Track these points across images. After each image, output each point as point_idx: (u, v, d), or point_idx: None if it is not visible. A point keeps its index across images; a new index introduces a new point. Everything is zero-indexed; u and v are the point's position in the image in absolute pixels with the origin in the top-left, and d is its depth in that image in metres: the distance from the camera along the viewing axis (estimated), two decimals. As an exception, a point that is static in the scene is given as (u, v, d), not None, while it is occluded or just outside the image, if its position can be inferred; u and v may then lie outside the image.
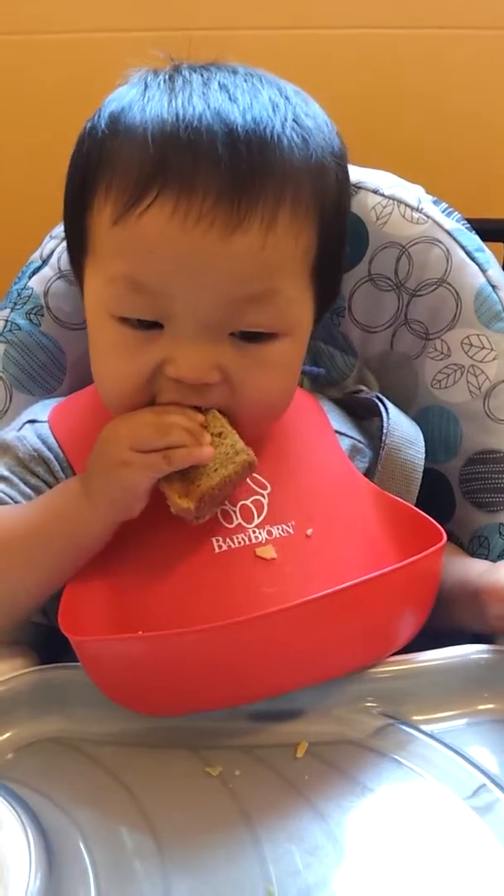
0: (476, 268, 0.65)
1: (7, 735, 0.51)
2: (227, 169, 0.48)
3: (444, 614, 0.57)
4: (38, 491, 0.58)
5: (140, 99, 0.53)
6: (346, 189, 0.57)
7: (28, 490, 0.58)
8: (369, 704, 0.52)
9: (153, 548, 0.54)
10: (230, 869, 0.43)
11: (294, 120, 0.52)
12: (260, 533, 0.55)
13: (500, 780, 0.47)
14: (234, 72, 0.54)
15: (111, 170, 0.52)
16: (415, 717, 0.52)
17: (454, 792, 0.47)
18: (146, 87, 0.54)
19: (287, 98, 0.53)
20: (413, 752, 0.49)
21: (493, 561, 0.67)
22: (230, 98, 0.51)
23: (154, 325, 0.52)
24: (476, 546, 0.67)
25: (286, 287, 0.52)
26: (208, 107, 0.50)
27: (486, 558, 0.67)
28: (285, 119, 0.51)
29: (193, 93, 0.51)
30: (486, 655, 0.53)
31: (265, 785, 0.48)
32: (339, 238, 0.57)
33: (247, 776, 0.48)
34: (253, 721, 0.51)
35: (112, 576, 0.54)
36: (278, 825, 0.46)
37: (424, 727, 0.51)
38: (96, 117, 0.56)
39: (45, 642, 0.59)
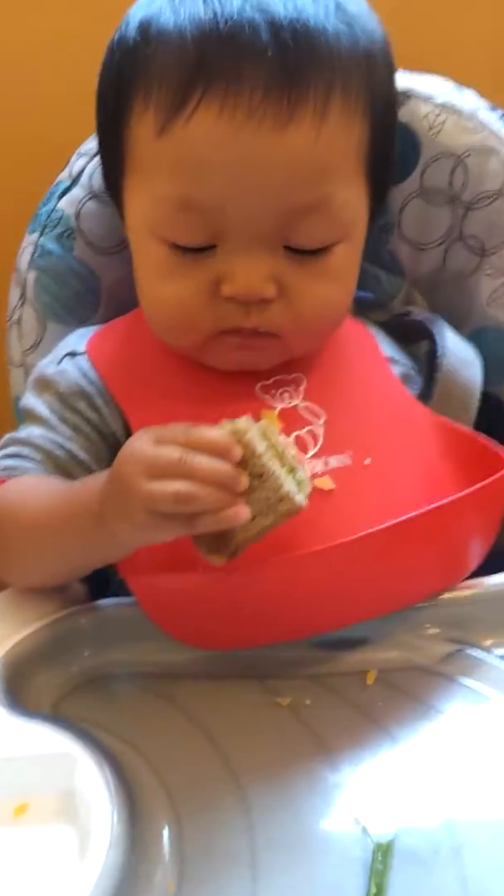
0: (537, 178, 0.62)
1: (70, 672, 0.50)
2: (273, 60, 0.46)
3: None
4: (77, 429, 0.56)
5: (170, 2, 0.50)
6: (393, 78, 0.55)
7: (66, 430, 0.56)
8: (436, 630, 0.51)
9: None
10: (312, 798, 0.42)
11: (336, 7, 0.50)
12: (316, 464, 0.53)
13: None
14: None
15: (147, 76, 0.49)
16: (484, 642, 0.50)
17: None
18: None
19: None
20: (484, 676, 0.48)
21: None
22: None
23: (205, 248, 0.50)
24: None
25: (340, 190, 0.50)
26: (246, 0, 0.47)
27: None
28: (328, 7, 0.49)
29: None
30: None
31: (337, 713, 0.47)
32: (390, 129, 0.56)
33: (317, 705, 0.47)
34: (319, 650, 0.50)
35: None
36: (355, 752, 0.45)
37: (496, 651, 0.50)
38: (123, 27, 0.53)
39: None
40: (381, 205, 0.57)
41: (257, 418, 0.54)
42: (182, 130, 0.48)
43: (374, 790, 0.42)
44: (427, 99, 0.62)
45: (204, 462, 0.42)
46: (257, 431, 0.43)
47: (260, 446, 0.43)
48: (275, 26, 0.47)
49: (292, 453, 0.45)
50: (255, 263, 0.49)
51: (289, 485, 0.43)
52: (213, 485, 0.42)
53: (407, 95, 0.62)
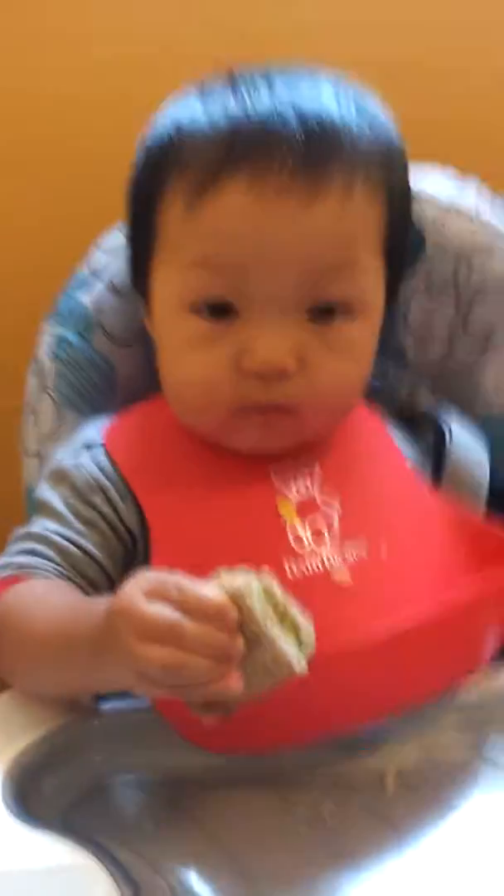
0: (539, 273, 0.64)
1: (80, 778, 0.49)
2: (300, 145, 0.49)
3: None
4: (91, 525, 0.56)
5: (201, 101, 0.54)
6: (407, 175, 0.58)
7: (80, 526, 0.56)
8: (456, 728, 0.51)
9: None
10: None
11: (357, 107, 0.53)
12: (334, 556, 0.54)
13: None
14: (290, 69, 0.55)
15: (180, 164, 0.52)
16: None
17: None
18: (204, 90, 0.54)
19: (346, 90, 0.54)
20: (506, 777, 0.48)
21: None
22: (294, 88, 0.52)
23: (228, 313, 0.52)
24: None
25: (362, 258, 0.53)
26: (274, 95, 0.51)
27: None
28: (349, 106, 0.53)
29: (257, 86, 0.52)
30: None
31: (356, 820, 0.47)
32: (405, 221, 0.58)
33: (336, 812, 0.47)
34: (337, 752, 0.50)
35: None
36: (375, 861, 0.44)
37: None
38: (155, 128, 0.56)
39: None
40: (394, 297, 0.59)
41: (274, 506, 0.55)
42: (211, 204, 0.50)
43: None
44: (431, 199, 0.64)
45: (196, 630, 0.39)
46: (257, 589, 0.41)
47: (259, 608, 0.40)
48: (302, 117, 0.50)
49: (295, 611, 0.43)
50: (277, 334, 0.51)
51: (289, 650, 0.41)
52: (205, 654, 0.39)
53: (414, 193, 0.64)
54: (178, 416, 0.57)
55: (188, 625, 0.40)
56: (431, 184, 0.65)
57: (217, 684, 0.40)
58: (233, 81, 0.53)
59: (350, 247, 0.52)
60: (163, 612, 0.40)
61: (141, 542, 0.56)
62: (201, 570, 0.47)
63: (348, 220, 0.51)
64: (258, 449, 0.55)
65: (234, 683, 0.40)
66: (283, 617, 0.42)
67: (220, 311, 0.52)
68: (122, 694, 0.51)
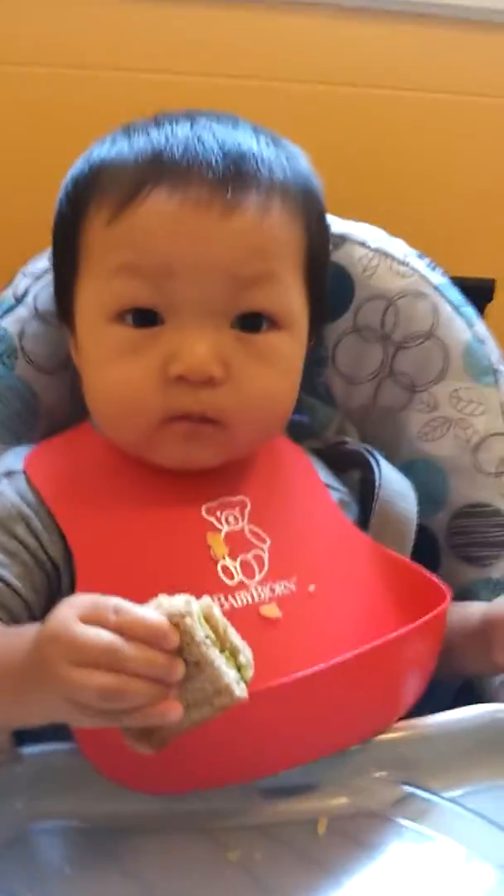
0: (463, 322, 0.66)
1: (2, 826, 0.45)
2: (219, 166, 0.50)
3: (441, 661, 0.55)
4: (13, 556, 0.53)
5: (124, 135, 0.55)
6: (324, 212, 0.59)
7: (3, 557, 0.52)
8: (385, 773, 0.50)
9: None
10: None
11: (276, 142, 0.55)
12: (263, 590, 0.52)
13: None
14: (213, 112, 0.56)
15: (102, 187, 0.53)
16: (434, 784, 0.49)
17: (486, 860, 0.45)
18: (130, 129, 0.55)
19: (265, 131, 0.56)
20: (438, 821, 0.48)
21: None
22: (214, 121, 0.54)
23: (153, 321, 0.51)
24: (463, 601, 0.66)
25: (283, 273, 0.53)
26: (195, 125, 0.53)
27: (474, 612, 0.67)
28: (268, 142, 0.55)
29: (179, 120, 0.54)
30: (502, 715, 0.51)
31: (289, 866, 0.45)
32: (324, 256, 0.59)
33: (268, 858, 0.45)
34: (266, 798, 0.48)
35: None
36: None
37: (445, 793, 0.49)
38: (78, 162, 0.57)
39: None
40: (317, 326, 0.60)
41: (203, 538, 0.54)
42: (132, 214, 0.51)
43: None
44: (361, 243, 0.66)
45: (135, 652, 0.37)
46: (198, 612, 0.39)
47: (199, 632, 0.39)
48: (222, 143, 0.52)
49: (234, 634, 0.41)
50: (203, 340, 0.50)
51: (229, 675, 0.39)
52: (144, 678, 0.38)
53: (343, 238, 0.66)
54: (103, 431, 0.56)
55: (126, 647, 0.38)
56: (361, 230, 0.67)
57: (155, 711, 0.38)
58: (156, 119, 0.55)
59: (269, 259, 0.52)
60: (98, 634, 0.38)
61: (65, 572, 0.53)
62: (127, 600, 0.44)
63: (266, 234, 0.52)
64: (185, 463, 0.54)
65: (174, 710, 0.38)
66: (222, 641, 0.41)
67: (145, 318, 0.51)
68: (41, 736, 0.48)
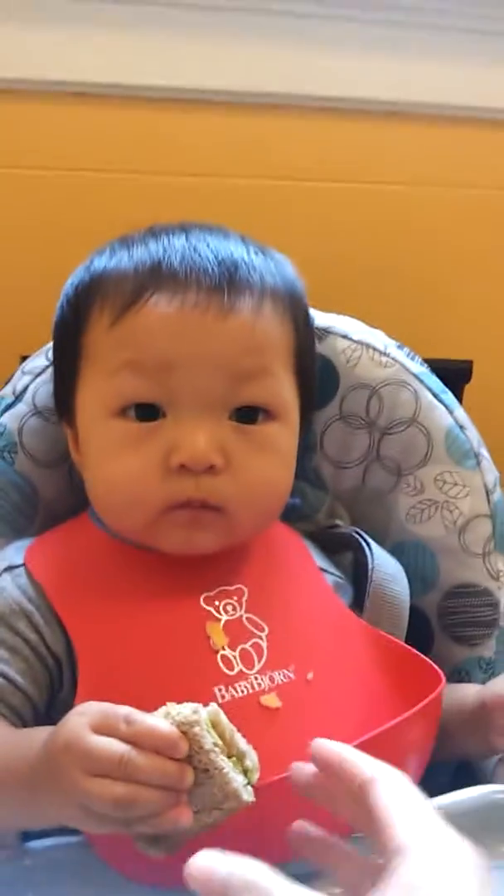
0: (444, 409, 0.69)
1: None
2: (215, 273, 0.54)
3: (438, 744, 0.56)
4: (14, 651, 0.54)
5: (122, 245, 0.59)
6: (309, 313, 0.63)
7: (5, 653, 0.54)
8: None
9: (156, 701, 0.51)
10: None
11: (264, 252, 0.59)
12: (262, 679, 0.54)
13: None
14: (204, 224, 0.60)
15: (104, 294, 0.56)
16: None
17: None
18: (128, 241, 0.59)
19: (251, 242, 0.60)
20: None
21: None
22: (206, 233, 0.58)
23: (155, 416, 0.54)
24: (456, 680, 0.67)
25: (276, 368, 0.57)
26: (189, 236, 0.57)
27: (467, 692, 0.68)
28: (256, 252, 0.58)
29: (174, 232, 0.58)
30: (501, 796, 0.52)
31: None
32: (311, 353, 0.63)
33: None
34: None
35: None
36: None
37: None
38: (80, 270, 0.60)
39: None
40: (307, 415, 0.63)
41: (203, 628, 0.55)
42: (133, 317, 0.54)
43: None
44: (344, 336, 0.69)
45: (147, 762, 0.39)
46: (205, 719, 0.41)
47: (208, 740, 0.40)
48: (217, 253, 0.55)
49: (240, 739, 0.43)
50: (202, 430, 0.53)
51: (237, 780, 0.41)
52: (156, 787, 0.39)
53: (326, 331, 0.69)
54: (105, 522, 0.58)
55: (139, 758, 0.39)
56: (343, 322, 0.70)
57: (167, 818, 0.39)
58: (152, 231, 0.59)
59: (263, 355, 0.56)
60: (111, 745, 0.39)
61: (67, 666, 0.54)
62: (130, 693, 0.46)
63: (260, 333, 0.55)
64: (187, 548, 0.55)
65: (185, 816, 0.39)
66: (229, 747, 0.42)
67: (147, 412, 0.54)
68: (46, 831, 0.48)
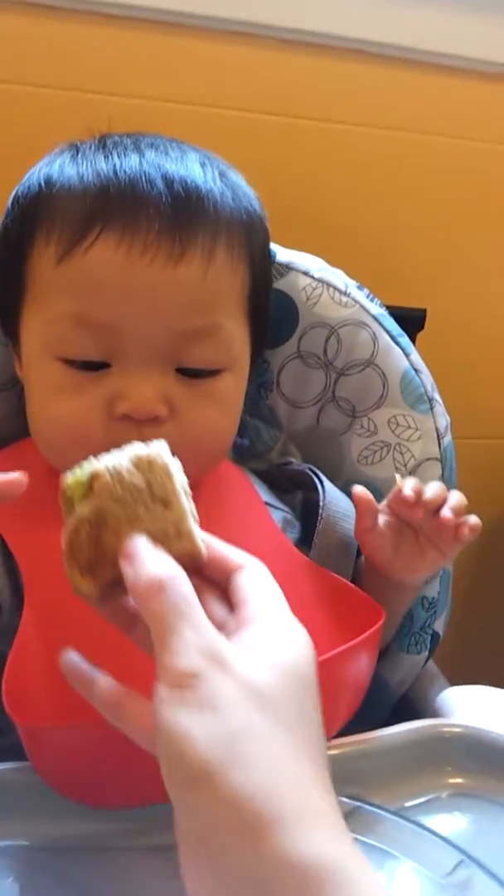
0: (400, 352, 0.69)
1: None
2: (166, 208, 0.52)
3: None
4: None
5: (72, 160, 0.56)
6: (268, 241, 0.61)
7: None
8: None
9: (95, 624, 0.51)
10: None
11: (221, 175, 0.56)
12: None
13: (476, 855, 0.47)
14: (160, 137, 0.58)
15: (50, 217, 0.53)
16: (377, 798, 0.51)
17: (431, 871, 0.46)
18: (77, 150, 0.56)
19: (211, 159, 0.57)
20: (383, 834, 0.48)
21: (416, 632, 0.69)
22: (162, 154, 0.55)
23: (99, 367, 0.52)
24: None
25: (227, 322, 0.55)
26: (143, 159, 0.54)
27: (409, 631, 0.69)
28: (214, 174, 0.56)
29: (127, 149, 0.55)
30: (445, 729, 0.53)
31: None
32: (266, 283, 0.62)
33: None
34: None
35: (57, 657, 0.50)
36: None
37: (389, 806, 0.50)
38: (27, 180, 0.57)
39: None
40: (259, 352, 0.62)
41: None
42: (80, 258, 0.51)
43: None
44: (305, 273, 0.68)
45: None
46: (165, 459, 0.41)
47: (174, 465, 0.42)
48: (168, 180, 0.52)
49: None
50: (149, 382, 0.52)
51: (193, 525, 0.41)
52: None
53: (287, 268, 0.68)
54: (46, 456, 0.56)
55: None
56: (304, 259, 0.69)
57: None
58: (104, 145, 0.56)
59: (213, 311, 0.54)
60: None
61: (11, 591, 0.53)
62: (75, 619, 0.47)
63: (211, 283, 0.53)
64: None
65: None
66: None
67: (91, 364, 0.52)
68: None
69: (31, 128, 0.87)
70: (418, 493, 0.57)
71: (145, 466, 0.41)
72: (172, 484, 0.41)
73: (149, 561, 0.38)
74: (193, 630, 0.36)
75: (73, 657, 0.42)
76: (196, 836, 0.33)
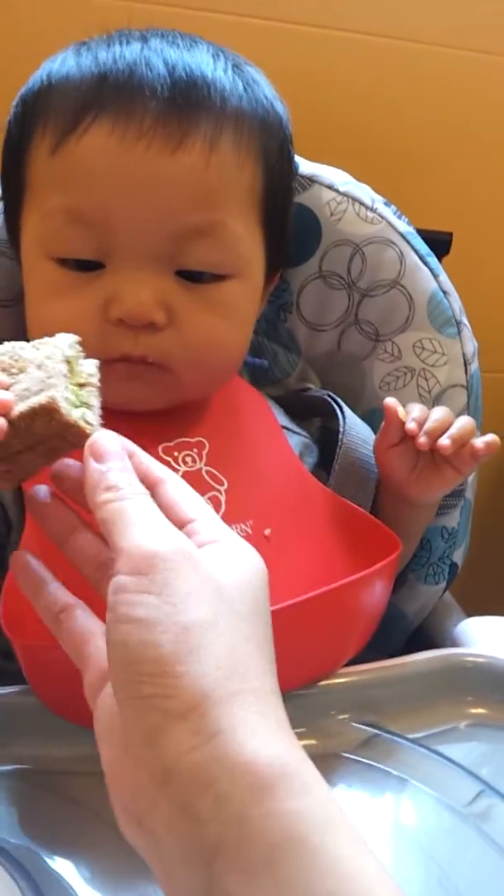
0: (428, 272, 0.65)
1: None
2: (166, 92, 0.48)
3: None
4: None
5: (75, 53, 0.52)
6: (289, 146, 0.56)
7: None
8: (347, 715, 0.50)
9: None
10: None
11: (235, 67, 0.52)
12: None
13: (497, 785, 0.46)
14: (172, 32, 0.53)
15: (47, 108, 0.50)
16: (395, 726, 0.50)
17: (452, 800, 0.46)
18: (82, 45, 0.53)
19: (226, 53, 0.53)
20: (403, 762, 0.48)
21: (434, 563, 0.68)
22: (169, 42, 0.51)
23: (94, 267, 0.49)
24: (417, 549, 0.67)
25: (232, 221, 0.50)
26: (146, 45, 0.50)
27: (427, 561, 0.68)
28: (226, 65, 0.52)
29: (131, 40, 0.51)
30: (468, 659, 0.52)
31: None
32: (286, 191, 0.57)
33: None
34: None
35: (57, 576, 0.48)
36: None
37: (409, 735, 0.49)
38: (30, 80, 0.54)
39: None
40: (277, 267, 0.58)
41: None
42: (74, 146, 0.48)
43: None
44: (329, 186, 0.64)
45: None
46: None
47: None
48: (170, 66, 0.49)
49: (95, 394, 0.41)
50: (145, 284, 0.49)
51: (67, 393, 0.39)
52: None
53: (311, 180, 0.64)
54: None
55: None
56: (329, 172, 0.65)
57: None
58: (109, 38, 0.52)
59: (215, 207, 0.49)
60: None
61: (16, 506, 0.52)
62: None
63: (214, 172, 0.49)
64: (130, 404, 0.52)
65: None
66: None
67: (86, 264, 0.49)
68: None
69: (41, 34, 0.82)
70: (420, 423, 0.55)
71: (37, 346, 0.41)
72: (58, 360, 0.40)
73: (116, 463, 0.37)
74: (156, 520, 0.35)
75: (27, 556, 0.41)
76: (143, 735, 0.31)
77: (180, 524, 0.37)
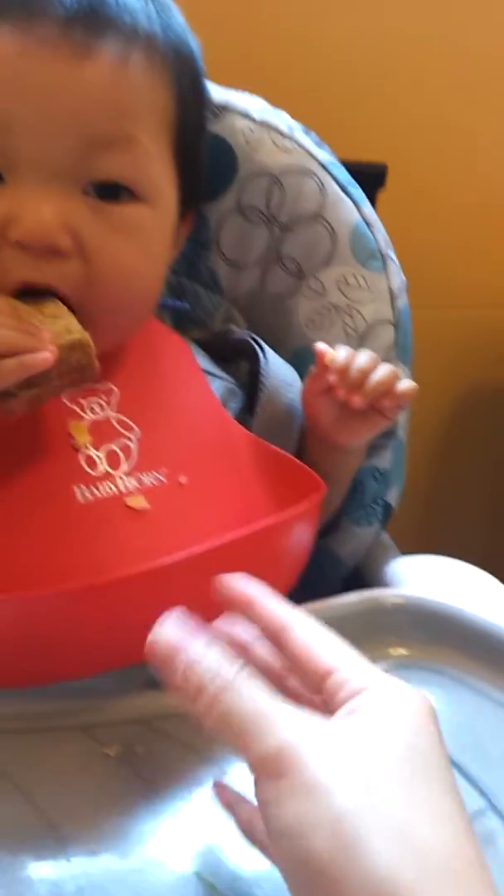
0: (351, 203, 0.63)
1: None
2: (72, 4, 0.44)
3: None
4: None
5: None
6: (201, 81, 0.54)
7: None
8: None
9: (7, 497, 0.47)
10: (143, 845, 0.39)
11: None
12: (129, 481, 0.50)
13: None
14: None
15: None
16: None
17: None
18: None
19: None
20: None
21: (366, 504, 0.67)
22: None
23: None
24: (350, 491, 0.65)
25: (144, 138, 0.47)
26: None
27: (360, 503, 0.66)
28: None
29: None
30: (389, 599, 0.51)
31: (172, 759, 0.43)
32: (198, 127, 0.54)
33: (150, 752, 0.43)
34: (149, 689, 0.46)
35: None
36: (189, 793, 0.41)
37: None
38: None
39: None
40: (192, 204, 0.55)
41: (65, 426, 0.50)
42: None
43: (209, 831, 0.39)
44: (244, 114, 0.61)
45: None
46: None
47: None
48: None
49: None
50: (47, 200, 0.45)
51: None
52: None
53: (223, 108, 0.61)
54: None
55: None
56: (244, 99, 0.62)
57: (37, 357, 0.43)
58: None
59: (126, 118, 0.46)
60: None
61: None
62: None
63: (124, 90, 0.46)
64: None
65: (49, 355, 0.43)
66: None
67: None
68: None
69: None
70: (342, 373, 0.54)
71: None
72: (58, 304, 0.46)
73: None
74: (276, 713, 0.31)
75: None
76: None
77: (320, 677, 0.33)
